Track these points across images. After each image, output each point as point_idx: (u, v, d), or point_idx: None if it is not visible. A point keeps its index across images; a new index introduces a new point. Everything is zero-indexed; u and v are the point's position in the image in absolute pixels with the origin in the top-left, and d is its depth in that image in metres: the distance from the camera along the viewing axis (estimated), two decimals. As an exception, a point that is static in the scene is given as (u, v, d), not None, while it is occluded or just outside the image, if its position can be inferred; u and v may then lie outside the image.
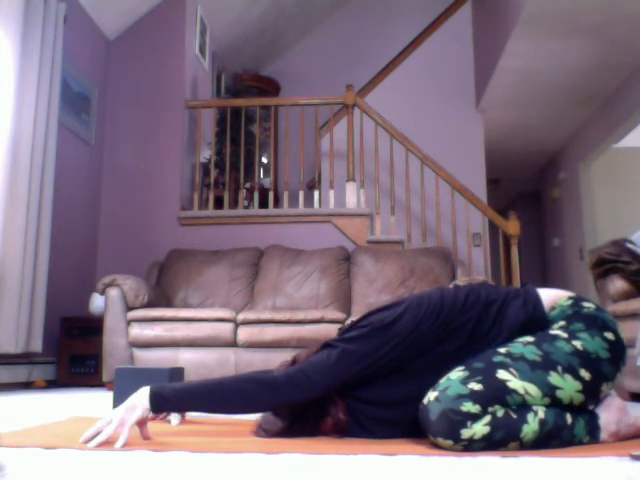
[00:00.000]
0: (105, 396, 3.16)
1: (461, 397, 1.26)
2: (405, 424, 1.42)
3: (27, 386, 3.81)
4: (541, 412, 1.29)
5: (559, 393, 1.32)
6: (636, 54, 4.94)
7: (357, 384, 1.43)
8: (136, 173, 4.94)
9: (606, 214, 6.47)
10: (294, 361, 1.51)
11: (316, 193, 4.92)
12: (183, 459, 1.21)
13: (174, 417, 1.81)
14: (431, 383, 1.34)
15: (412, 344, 1.40)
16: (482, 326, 1.42)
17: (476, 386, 1.27)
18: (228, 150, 5.00)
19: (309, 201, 5.83)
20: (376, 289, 4.05)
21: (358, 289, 4.11)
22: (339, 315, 3.61)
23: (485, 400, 1.26)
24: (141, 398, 1.38)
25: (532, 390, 1.30)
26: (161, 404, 1.39)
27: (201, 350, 3.59)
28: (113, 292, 3.66)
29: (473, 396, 1.26)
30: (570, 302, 1.46)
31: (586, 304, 1.45)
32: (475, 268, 5.43)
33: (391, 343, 1.40)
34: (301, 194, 4.84)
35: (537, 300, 1.46)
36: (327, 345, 1.45)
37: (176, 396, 1.40)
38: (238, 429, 1.70)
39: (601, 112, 5.98)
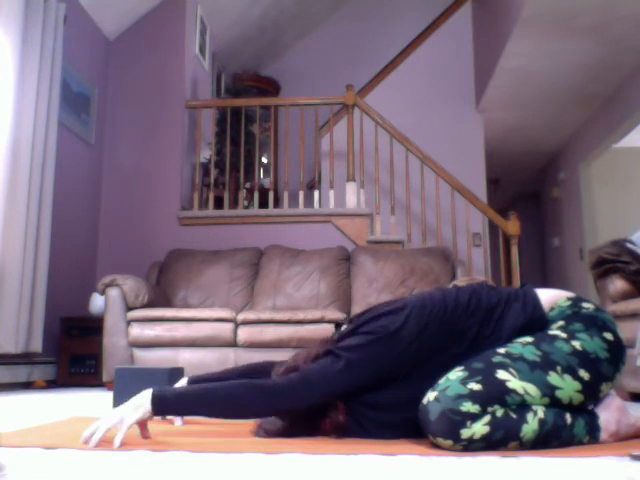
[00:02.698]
0: (105, 396, 3.16)
1: (461, 397, 1.26)
2: (406, 427, 1.41)
3: (27, 386, 3.81)
4: (541, 412, 1.29)
5: (558, 393, 1.32)
6: (636, 54, 4.94)
7: (360, 390, 1.43)
8: (136, 173, 4.94)
9: (606, 214, 6.47)
10: (293, 362, 1.50)
11: (316, 193, 4.92)
12: (183, 459, 1.21)
13: (177, 418, 1.81)
14: (432, 385, 1.34)
15: (416, 350, 1.40)
16: (484, 331, 1.42)
17: (476, 386, 1.27)
18: (228, 150, 5.00)
19: (309, 201, 5.82)
20: (376, 289, 4.05)
21: (358, 289, 4.11)
22: (339, 315, 3.61)
23: (485, 400, 1.26)
24: (143, 399, 1.38)
25: (531, 390, 1.30)
26: (163, 407, 1.39)
27: (201, 350, 3.59)
28: (113, 292, 3.66)
29: (473, 396, 1.26)
30: (569, 302, 1.46)
31: (585, 304, 1.45)
32: (475, 268, 5.43)
33: (395, 351, 1.40)
34: (301, 194, 4.84)
35: (536, 301, 1.46)
36: (330, 352, 1.44)
37: (177, 400, 1.40)
38: (238, 429, 1.70)
39: (601, 112, 5.98)
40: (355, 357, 1.40)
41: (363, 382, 1.40)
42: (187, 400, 1.41)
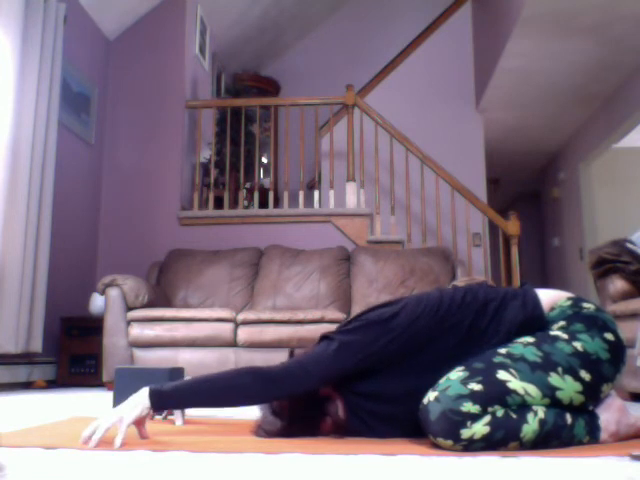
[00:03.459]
0: (105, 396, 3.16)
1: (461, 397, 1.26)
2: (405, 421, 1.42)
3: (27, 386, 3.81)
4: (541, 412, 1.29)
5: (559, 394, 1.32)
6: (636, 54, 4.94)
7: (356, 378, 1.44)
8: (136, 173, 4.94)
9: (606, 214, 6.47)
10: (291, 356, 1.52)
11: (316, 193, 4.92)
12: (183, 459, 1.21)
13: (178, 418, 1.81)
14: (430, 379, 1.35)
15: (409, 340, 1.41)
16: (479, 323, 1.43)
17: (476, 386, 1.27)
18: (228, 150, 5.00)
19: (309, 201, 5.82)
20: (376, 289, 4.05)
21: (358, 289, 4.11)
22: (339, 315, 3.62)
23: (485, 400, 1.26)
24: (141, 396, 1.39)
25: (532, 391, 1.30)
26: (161, 401, 1.40)
27: (201, 350, 3.59)
28: (113, 292, 3.66)
29: (473, 396, 1.26)
30: (570, 302, 1.46)
31: (586, 304, 1.45)
32: (475, 268, 5.43)
33: (388, 337, 1.41)
34: (301, 194, 4.84)
35: (536, 300, 1.47)
36: (325, 338, 1.46)
37: (175, 392, 1.41)
38: (238, 429, 1.70)
39: (601, 112, 5.98)
40: (348, 339, 1.42)
41: (357, 365, 1.41)
42: (185, 392, 1.41)
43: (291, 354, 1.53)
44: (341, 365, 1.41)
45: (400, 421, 1.43)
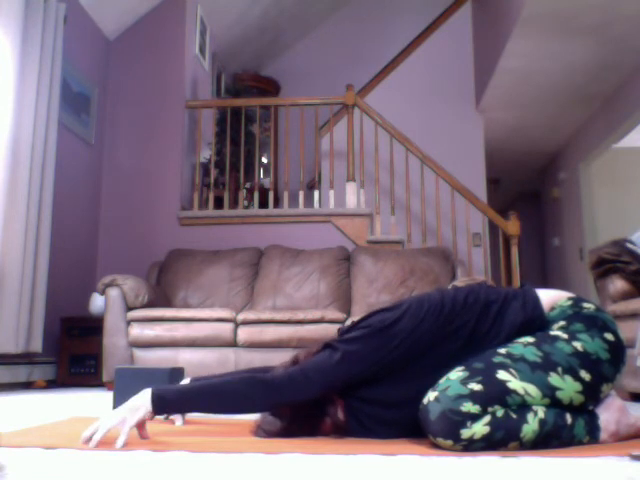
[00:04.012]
0: (105, 396, 3.16)
1: (461, 397, 1.26)
2: (405, 424, 1.42)
3: (27, 386, 3.81)
4: (541, 412, 1.29)
5: (559, 394, 1.32)
6: (636, 54, 4.94)
7: (358, 384, 1.43)
8: (136, 173, 4.94)
9: (606, 214, 6.47)
10: (294, 361, 1.51)
11: (316, 193, 4.92)
12: (183, 459, 1.21)
13: (178, 418, 1.81)
14: (432, 384, 1.34)
15: (412, 345, 1.41)
16: (482, 326, 1.42)
17: (476, 386, 1.27)
18: (228, 150, 5.00)
19: (309, 201, 5.82)
20: (376, 289, 4.05)
21: (358, 289, 4.11)
22: (339, 315, 3.61)
23: (485, 400, 1.26)
24: (143, 399, 1.38)
25: (532, 391, 1.30)
26: (163, 405, 1.39)
27: (201, 350, 3.59)
28: (113, 292, 3.66)
29: (473, 396, 1.26)
30: (570, 302, 1.46)
31: (586, 304, 1.45)
32: (475, 268, 5.43)
33: (391, 344, 1.40)
34: (301, 194, 4.84)
35: (536, 300, 1.47)
36: (328, 346, 1.46)
37: (177, 397, 1.41)
38: (238, 429, 1.70)
39: (601, 112, 5.98)
40: (351, 349, 1.41)
41: (360, 374, 1.41)
42: (187, 396, 1.41)
43: (295, 361, 1.51)
44: (345, 374, 1.40)
45: (401, 424, 1.43)
